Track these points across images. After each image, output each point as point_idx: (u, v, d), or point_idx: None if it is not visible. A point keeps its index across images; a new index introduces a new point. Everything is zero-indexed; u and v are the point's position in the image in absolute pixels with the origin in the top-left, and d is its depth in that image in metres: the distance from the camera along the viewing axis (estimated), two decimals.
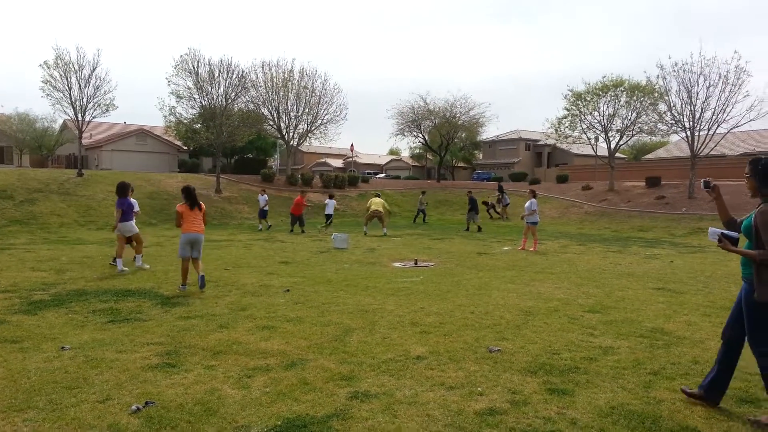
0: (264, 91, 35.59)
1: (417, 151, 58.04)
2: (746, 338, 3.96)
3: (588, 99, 32.76)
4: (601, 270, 11.46)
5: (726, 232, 3.90)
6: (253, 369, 4.84)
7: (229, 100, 31.61)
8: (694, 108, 27.61)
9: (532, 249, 15.12)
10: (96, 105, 29.11)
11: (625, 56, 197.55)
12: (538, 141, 59.04)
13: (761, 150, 39.42)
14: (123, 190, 10.90)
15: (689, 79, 27.30)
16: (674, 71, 27.76)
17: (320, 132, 38.18)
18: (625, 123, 32.41)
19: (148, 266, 10.93)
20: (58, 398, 4.12)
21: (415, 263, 12.24)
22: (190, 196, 8.81)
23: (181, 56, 31.76)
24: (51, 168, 40.83)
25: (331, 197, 23.75)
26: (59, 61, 27.91)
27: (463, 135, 49.20)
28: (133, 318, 6.73)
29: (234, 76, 31.45)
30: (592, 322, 6.68)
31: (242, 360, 5.10)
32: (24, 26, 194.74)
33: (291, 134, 37.13)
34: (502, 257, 13.61)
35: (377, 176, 53.43)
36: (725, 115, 27.23)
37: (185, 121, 33.88)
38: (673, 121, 29.37)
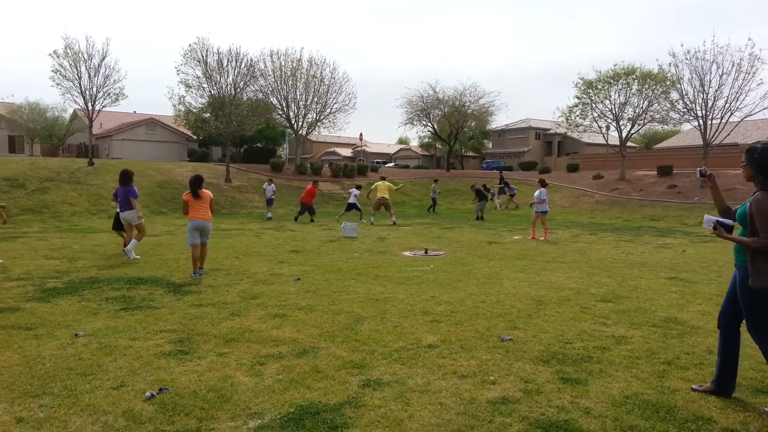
0: (273, 80, 35.56)
1: (426, 140, 57.89)
2: (749, 329, 3.94)
3: (599, 87, 32.46)
4: (612, 259, 11.40)
5: (721, 219, 3.92)
6: (265, 357, 4.85)
7: (238, 90, 31.61)
8: (707, 96, 27.35)
9: (542, 238, 15.05)
10: (106, 94, 29.23)
11: (638, 45, 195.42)
12: (549, 130, 58.68)
13: None
14: (129, 178, 10.81)
15: (702, 67, 27.04)
16: (686, 59, 27.49)
17: (329, 121, 38.18)
18: (637, 111, 32.11)
19: (138, 257, 10.56)
20: (72, 384, 4.15)
21: (425, 252, 12.23)
22: (191, 185, 9.16)
23: (190, 45, 31.77)
24: (62, 157, 41.06)
25: (358, 188, 23.54)
26: (69, 51, 28.00)
27: (473, 124, 49.01)
28: (146, 306, 6.77)
29: (243, 65, 31.46)
30: (605, 312, 6.64)
31: (254, 348, 5.11)
32: (34, 16, 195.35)
33: (300, 123, 37.12)
34: (512, 246, 13.57)
35: (386, 165, 53.35)
36: (738, 103, 26.98)
37: (194, 110, 33.95)
38: (686, 110, 29.10)
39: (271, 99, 36.04)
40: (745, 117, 27.97)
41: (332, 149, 70.42)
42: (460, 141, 50.71)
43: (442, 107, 44.82)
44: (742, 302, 3.90)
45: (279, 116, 37.53)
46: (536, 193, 15.30)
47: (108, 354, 4.87)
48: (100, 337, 5.39)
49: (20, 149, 46.36)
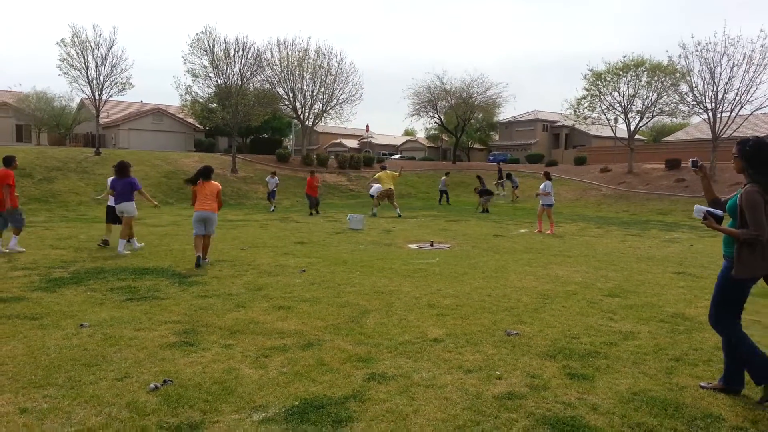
0: (279, 70, 35.44)
1: (433, 132, 57.64)
2: (711, 320, 4.10)
3: (608, 79, 32.16)
4: (619, 253, 11.32)
5: (711, 209, 3.96)
6: (270, 349, 4.83)
7: (245, 79, 31.56)
8: (717, 89, 27.05)
9: (549, 231, 14.97)
10: (113, 83, 29.25)
11: (647, 36, 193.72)
12: (556, 122, 58.29)
13: None
14: (126, 169, 10.51)
15: (712, 59, 26.72)
16: (697, 51, 27.17)
17: (335, 112, 38.06)
18: (646, 104, 31.82)
19: (128, 252, 10.26)
20: (77, 375, 4.15)
21: (431, 245, 12.18)
22: (197, 174, 9.30)
23: (197, 34, 31.63)
24: (69, 146, 41.14)
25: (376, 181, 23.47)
26: (76, 39, 28.00)
27: (480, 116, 48.79)
28: (151, 296, 6.77)
29: (249, 55, 31.41)
30: (612, 307, 6.59)
31: (259, 340, 5.09)
32: (42, 4, 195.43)
33: (306, 114, 37.03)
34: (518, 239, 13.50)
35: (393, 157, 53.21)
36: (749, 96, 26.69)
37: (201, 100, 33.92)
38: (695, 102, 28.82)
39: (278, 89, 35.95)
40: (755, 110, 27.68)
41: (338, 140, 70.28)
42: (466, 133, 50.48)
43: (449, 98, 44.57)
44: (717, 288, 4.02)
45: (285, 107, 37.44)
46: (541, 186, 15.23)
47: (113, 345, 4.87)
48: (105, 327, 5.39)
49: (27, 138, 46.47)
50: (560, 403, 3.79)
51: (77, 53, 28.16)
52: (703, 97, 27.84)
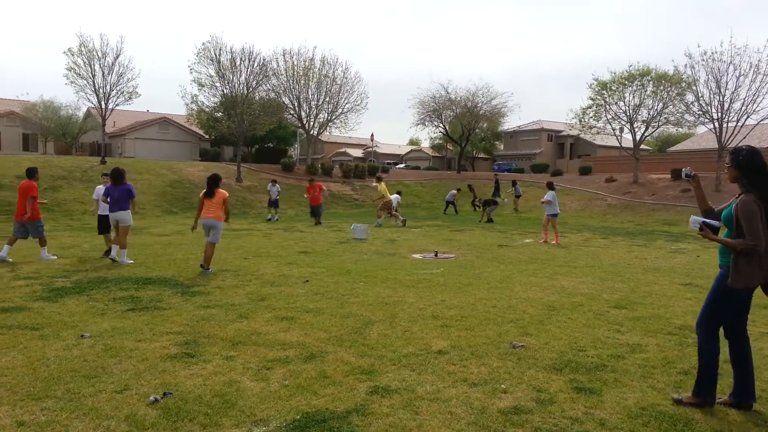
0: (285, 79, 35.59)
1: (437, 141, 57.68)
2: (697, 321, 4.08)
3: (613, 88, 32.11)
4: (626, 264, 11.22)
5: (707, 220, 3.96)
6: (272, 361, 4.77)
7: (251, 89, 31.67)
8: (723, 98, 26.98)
9: (554, 242, 14.88)
10: (119, 93, 29.43)
11: (653, 46, 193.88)
12: (561, 132, 58.25)
13: None
14: (122, 176, 10.28)
15: (718, 69, 26.66)
16: (703, 60, 27.14)
17: (340, 121, 38.16)
18: (651, 113, 31.74)
19: (132, 261, 10.17)
20: (76, 387, 4.09)
21: (435, 255, 12.11)
22: (207, 183, 9.51)
23: (204, 44, 31.94)
24: (75, 155, 41.34)
25: (398, 193, 23.48)
26: (83, 49, 28.22)
27: (485, 125, 48.80)
28: (153, 306, 6.72)
29: (255, 65, 31.53)
30: (619, 318, 6.50)
31: (261, 351, 5.03)
32: (50, 14, 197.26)
33: (311, 123, 37.12)
34: (523, 250, 13.42)
35: (397, 166, 53.23)
36: (755, 105, 26.60)
37: (207, 109, 34.05)
38: (701, 112, 28.74)
39: (283, 98, 36.08)
40: (762, 120, 27.58)
41: (343, 150, 70.39)
42: (471, 142, 50.46)
43: (454, 108, 44.61)
44: (709, 298, 4.00)
45: (290, 116, 37.56)
46: (545, 196, 15.19)
47: (113, 356, 4.81)
48: (106, 338, 5.34)
49: (34, 147, 46.76)
50: (567, 418, 3.71)
51: (84, 62, 28.39)
52: (709, 107, 27.77)
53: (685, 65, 28.60)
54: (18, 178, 23.48)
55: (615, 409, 3.86)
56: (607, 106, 32.77)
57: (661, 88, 30.89)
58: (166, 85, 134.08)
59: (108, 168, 17.59)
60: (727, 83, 26.65)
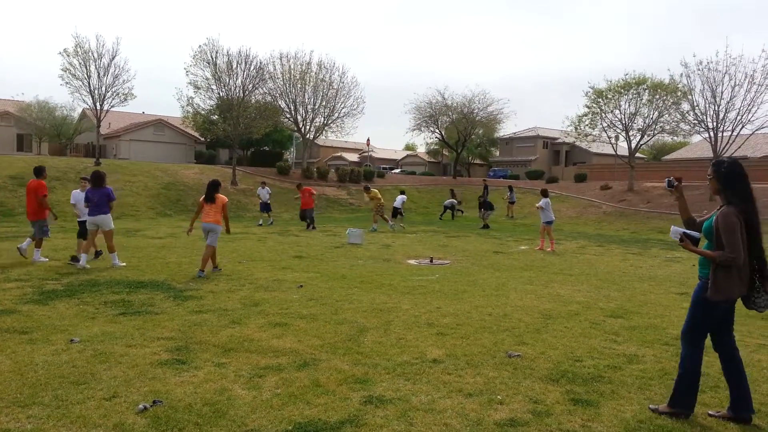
0: (281, 83, 35.51)
1: (433, 147, 57.73)
2: (681, 331, 4.09)
3: (609, 97, 32.18)
4: (621, 272, 11.19)
5: (688, 231, 3.96)
6: (264, 368, 4.70)
7: (247, 92, 31.59)
8: (718, 108, 27.06)
9: (549, 249, 14.85)
10: (114, 94, 29.32)
11: (649, 55, 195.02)
12: (557, 139, 58.39)
13: None
14: (102, 179, 10.15)
15: (714, 78, 26.74)
16: (698, 70, 27.22)
17: (337, 125, 38.08)
18: (647, 122, 31.80)
19: (116, 263, 9.99)
20: (64, 394, 4.01)
21: (431, 261, 12.05)
22: (207, 188, 9.67)
23: (200, 46, 31.84)
24: (69, 156, 41.12)
25: (402, 193, 23.35)
26: (79, 49, 28.12)
27: (481, 131, 48.87)
28: (145, 311, 6.63)
29: (252, 68, 31.46)
30: (615, 328, 6.45)
31: (254, 358, 4.95)
32: (45, 14, 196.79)
33: (307, 127, 37.04)
34: (519, 257, 13.38)
35: (393, 171, 53.22)
36: (750, 115, 26.68)
37: (203, 112, 33.93)
38: (696, 121, 28.81)
39: (280, 102, 35.98)
40: (756, 130, 27.67)
41: (339, 154, 70.35)
42: (467, 148, 50.52)
43: (450, 114, 44.68)
44: (691, 311, 3.98)
45: (287, 119, 37.46)
46: (539, 202, 15.23)
47: (103, 362, 4.73)
48: (96, 343, 5.25)
49: (28, 148, 46.48)
50: (564, 431, 3.65)
51: (80, 63, 28.26)
52: (705, 116, 27.84)
53: (681, 74, 28.71)
54: (11, 178, 23.35)
55: (612, 422, 3.81)
56: (603, 114, 32.83)
57: (657, 96, 30.98)
58: (162, 87, 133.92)
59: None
60: (722, 93, 26.75)
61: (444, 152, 57.40)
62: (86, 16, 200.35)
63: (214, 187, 9.64)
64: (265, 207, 22.07)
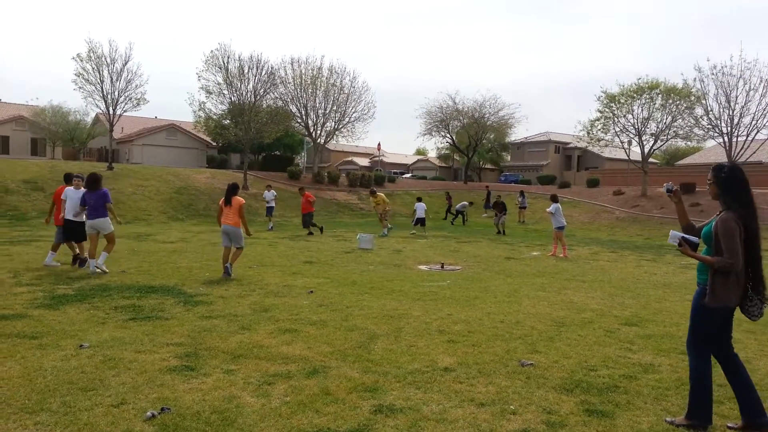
0: (293, 87, 35.66)
1: (444, 151, 57.67)
2: (686, 341, 4.04)
3: (622, 101, 31.98)
4: (635, 279, 11.05)
5: (686, 236, 3.90)
6: (273, 375, 4.64)
7: (258, 97, 31.71)
8: (733, 113, 26.82)
9: (561, 255, 14.72)
10: (127, 99, 29.53)
11: (662, 59, 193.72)
12: (569, 144, 58.12)
13: None
14: (98, 182, 9.83)
15: (728, 83, 26.52)
16: (713, 74, 27.01)
17: (348, 130, 38.21)
18: (660, 127, 31.58)
19: (107, 270, 9.69)
20: (72, 400, 3.98)
21: (442, 267, 11.97)
22: (226, 192, 9.95)
23: (212, 51, 31.96)
24: (83, 161, 41.48)
25: (419, 200, 23.29)
26: (92, 54, 28.35)
27: (492, 136, 48.74)
28: (155, 316, 6.61)
29: (263, 73, 31.59)
30: (630, 336, 6.34)
31: (263, 365, 4.90)
32: (59, 20, 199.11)
33: (318, 132, 37.13)
34: (531, 263, 13.26)
35: (404, 176, 53.15)
36: (766, 120, 26.40)
37: (214, 116, 34.10)
38: (710, 126, 28.58)
39: (291, 107, 36.14)
40: None
41: (350, 158, 70.41)
42: (478, 153, 50.40)
43: (461, 118, 44.62)
44: (692, 318, 3.93)
45: (298, 124, 37.59)
46: (549, 208, 15.15)
47: (112, 368, 4.70)
48: (106, 348, 5.23)
49: (42, 152, 46.93)
50: None
51: (93, 68, 28.51)
52: (719, 121, 27.62)
53: (695, 79, 28.51)
54: (25, 182, 23.57)
55: None
56: (616, 119, 32.64)
57: (670, 101, 30.73)
58: (174, 91, 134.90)
59: (115, 174, 17.31)
60: (737, 97, 26.55)
61: (455, 157, 57.35)
62: (99, 21, 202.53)
63: (232, 190, 9.88)
64: (269, 211, 22.31)
